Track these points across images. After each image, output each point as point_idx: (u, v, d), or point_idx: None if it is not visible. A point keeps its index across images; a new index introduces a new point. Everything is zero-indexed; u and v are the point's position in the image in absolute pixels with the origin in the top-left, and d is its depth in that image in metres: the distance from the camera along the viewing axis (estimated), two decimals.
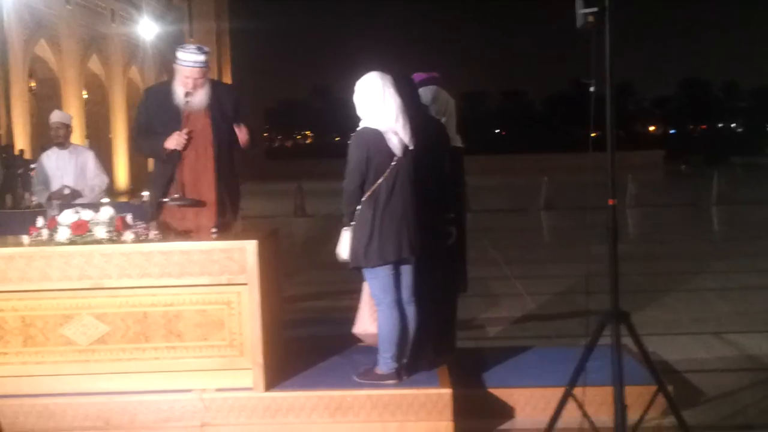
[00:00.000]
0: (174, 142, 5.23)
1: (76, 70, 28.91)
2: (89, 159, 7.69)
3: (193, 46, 5.37)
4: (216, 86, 5.41)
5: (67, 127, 7.73)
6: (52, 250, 4.66)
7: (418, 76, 5.69)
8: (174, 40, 34.10)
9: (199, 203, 5.29)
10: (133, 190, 30.04)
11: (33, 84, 27.56)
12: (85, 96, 30.07)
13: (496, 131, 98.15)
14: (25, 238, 4.76)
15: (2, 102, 22.88)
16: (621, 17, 4.09)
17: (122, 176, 32.76)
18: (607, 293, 4.16)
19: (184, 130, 5.25)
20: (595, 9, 4.01)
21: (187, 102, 5.26)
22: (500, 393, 5.00)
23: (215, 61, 43.70)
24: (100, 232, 4.71)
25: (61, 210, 5.02)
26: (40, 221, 4.83)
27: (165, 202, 5.27)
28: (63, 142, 7.63)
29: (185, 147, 5.26)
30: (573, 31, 4.11)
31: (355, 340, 5.56)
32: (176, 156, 5.28)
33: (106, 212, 4.81)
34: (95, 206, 4.99)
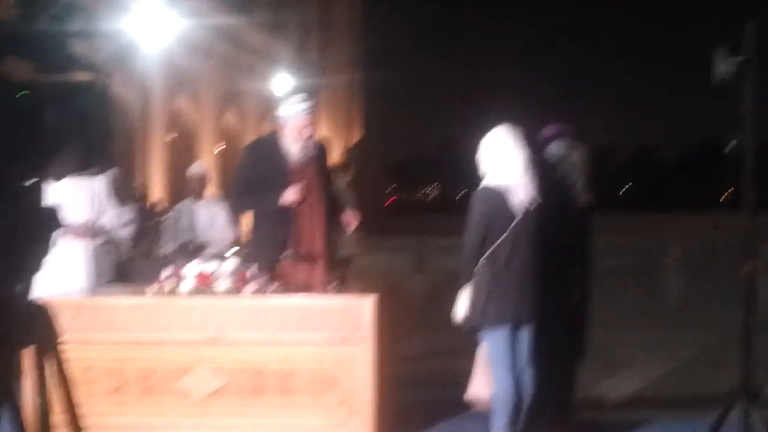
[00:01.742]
0: (291, 196, 5.23)
1: (213, 123, 30.01)
2: (220, 212, 7.88)
3: (297, 96, 5.41)
4: (315, 140, 5.45)
5: (205, 180, 7.94)
6: (174, 302, 4.77)
7: (549, 129, 5.58)
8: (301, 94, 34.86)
9: (314, 259, 5.31)
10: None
11: (170, 137, 28.74)
12: (221, 148, 31.12)
13: (627, 186, 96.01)
14: (150, 289, 4.89)
15: (141, 154, 23.94)
16: (764, 67, 3.93)
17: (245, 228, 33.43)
18: (738, 366, 3.92)
19: (300, 184, 5.26)
20: (737, 59, 3.86)
21: (303, 153, 5.29)
22: None
23: (345, 114, 44.58)
24: (222, 284, 4.80)
25: (187, 261, 5.14)
26: (165, 272, 4.96)
27: (282, 257, 5.29)
28: (200, 194, 7.84)
29: (301, 201, 5.27)
30: (710, 84, 3.96)
31: (469, 404, 5.44)
32: (289, 211, 5.29)
33: (229, 265, 4.90)
34: (219, 258, 5.10)
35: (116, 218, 6.42)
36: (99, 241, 6.31)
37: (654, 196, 79.87)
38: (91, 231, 6.16)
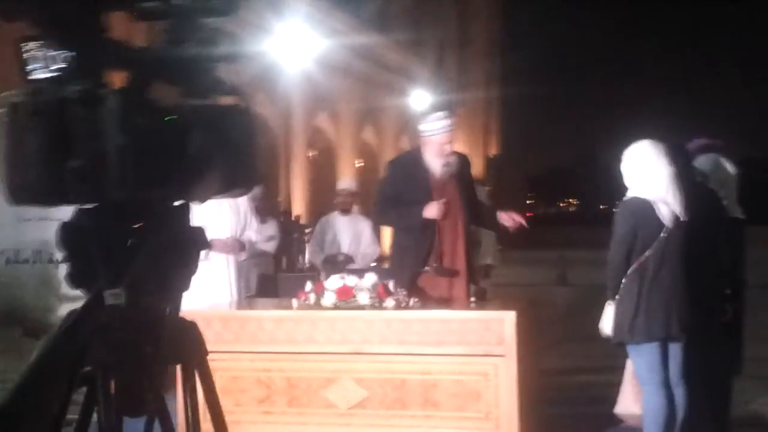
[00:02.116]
0: (434, 211, 5.26)
1: (352, 140, 30.50)
2: (366, 228, 7.97)
3: (438, 113, 5.45)
4: (455, 155, 5.44)
5: (354, 195, 8.06)
6: (318, 314, 4.84)
7: (697, 142, 5.41)
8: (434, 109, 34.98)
9: (456, 273, 5.31)
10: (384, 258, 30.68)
11: (312, 153, 29.38)
12: (359, 164, 31.59)
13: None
14: (294, 302, 4.98)
15: (284, 170, 24.57)
16: None
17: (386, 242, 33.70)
18: None
19: (442, 200, 5.28)
20: None
21: (446, 170, 5.31)
22: None
23: (482, 130, 44.46)
24: (363, 298, 4.83)
25: (332, 273, 5.22)
26: (308, 285, 5.04)
27: (425, 271, 5.30)
28: (348, 209, 7.96)
29: (443, 216, 5.29)
30: None
31: (617, 420, 5.29)
32: (430, 226, 5.30)
33: (370, 279, 4.93)
34: (360, 272, 5.15)
35: (259, 233, 6.60)
36: (244, 255, 6.50)
37: None
38: (236, 246, 6.35)
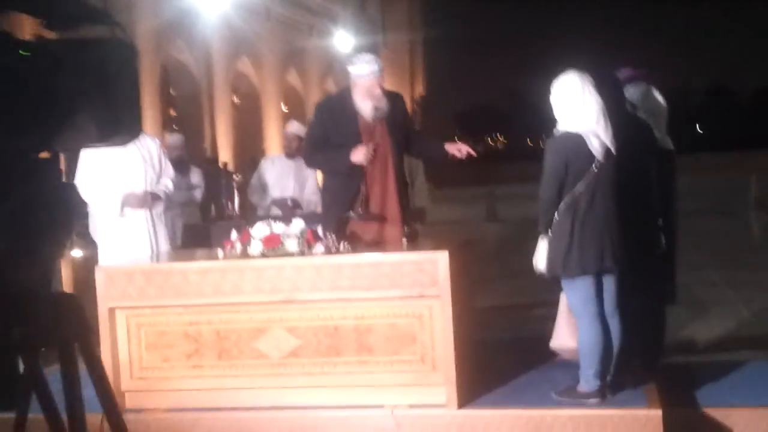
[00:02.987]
0: (361, 155, 5.11)
1: (276, 84, 29.99)
2: (311, 173, 7.77)
3: (366, 56, 5.28)
4: (387, 95, 5.28)
5: (300, 139, 7.82)
6: (244, 264, 4.67)
7: (624, 72, 5.33)
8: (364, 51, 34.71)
9: (381, 218, 5.18)
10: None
11: (235, 99, 28.84)
12: (285, 110, 31.15)
13: (697, 128, 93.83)
14: (220, 252, 4.81)
15: (208, 117, 24.04)
16: None
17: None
18: None
19: (370, 144, 5.13)
20: None
21: (374, 114, 5.15)
22: (716, 413, 4.56)
23: (408, 70, 44.20)
24: (291, 245, 4.68)
25: (277, 219, 5.06)
26: (234, 234, 4.86)
27: (352, 217, 5.17)
28: (293, 153, 7.75)
29: (372, 160, 5.15)
30: None
31: (553, 354, 5.27)
32: (358, 169, 5.16)
33: (297, 225, 4.78)
34: (287, 219, 4.98)
35: (180, 180, 6.36)
36: (161, 206, 6.25)
37: (729, 135, 77.81)
38: (148, 199, 6.09)
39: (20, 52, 1.51)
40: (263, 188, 7.80)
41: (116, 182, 6.02)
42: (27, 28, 1.59)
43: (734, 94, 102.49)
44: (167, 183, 6.28)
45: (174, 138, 8.25)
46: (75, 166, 6.52)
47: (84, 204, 1.72)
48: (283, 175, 7.72)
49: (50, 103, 1.52)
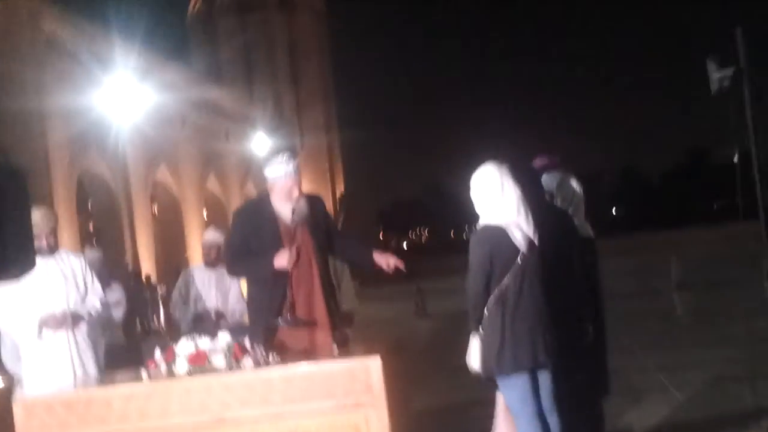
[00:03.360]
0: (284, 260, 4.98)
1: (195, 191, 29.84)
2: (233, 282, 7.58)
3: (280, 157, 5.20)
4: (305, 197, 5.21)
5: (219, 247, 7.61)
6: (170, 385, 4.46)
7: (540, 161, 5.39)
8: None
9: (311, 323, 5.06)
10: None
11: (155, 209, 28.52)
12: (205, 216, 30.91)
13: (613, 212, 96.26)
14: (144, 373, 4.60)
15: (128, 230, 23.64)
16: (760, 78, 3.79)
17: None
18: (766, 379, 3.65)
19: (293, 247, 5.03)
20: (730, 71, 3.71)
21: (294, 216, 5.06)
22: None
23: (327, 171, 44.52)
24: (219, 360, 4.51)
25: (201, 334, 4.86)
26: (157, 353, 4.66)
27: (280, 324, 5.03)
28: (214, 262, 7.53)
29: (295, 264, 5.04)
30: (707, 97, 3.83)
31: None
32: (282, 275, 5.04)
33: (223, 338, 4.61)
34: (211, 333, 4.82)
35: (100, 301, 6.08)
36: (83, 328, 5.95)
37: (644, 217, 79.98)
38: (67, 319, 5.80)
39: None
40: (184, 301, 7.58)
41: (34, 303, 5.73)
42: None
43: (645, 177, 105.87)
44: (94, 302, 5.99)
45: (91, 254, 8.02)
46: None
47: None
48: (204, 286, 7.53)
49: None
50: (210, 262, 7.58)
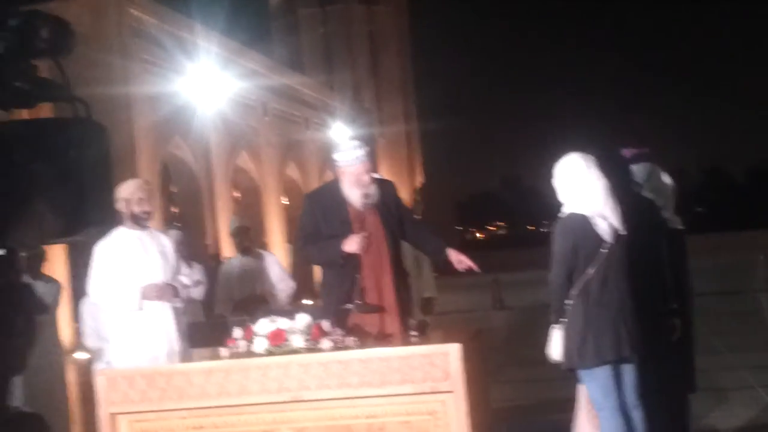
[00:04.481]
0: (354, 245, 4.95)
1: (275, 177, 30.11)
2: (272, 263, 7.57)
3: (351, 143, 5.17)
4: (376, 182, 5.16)
5: (246, 233, 7.59)
6: (249, 363, 4.48)
7: (628, 152, 5.24)
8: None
9: (380, 309, 5.00)
10: (294, 300, 29.42)
11: (236, 193, 28.89)
12: (285, 202, 31.20)
13: (698, 209, 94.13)
14: (223, 351, 4.62)
15: (209, 213, 23.99)
16: None
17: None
18: None
19: (363, 233, 4.97)
20: None
21: (366, 201, 5.01)
22: None
23: (405, 161, 44.49)
24: (297, 340, 4.50)
25: (250, 318, 4.87)
26: (237, 332, 4.68)
27: (350, 309, 4.98)
28: (247, 249, 7.49)
29: (365, 250, 4.98)
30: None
31: None
32: (353, 260, 5.00)
33: (302, 319, 4.60)
34: (291, 314, 4.81)
35: (187, 278, 6.17)
36: (179, 302, 6.05)
37: (727, 216, 77.93)
38: (169, 291, 5.89)
39: None
40: (228, 296, 7.51)
41: (133, 276, 5.83)
42: None
43: (731, 175, 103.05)
44: (182, 279, 6.09)
45: (174, 234, 8.08)
46: (38, 263, 6.31)
47: (45, 305, 1.56)
48: (243, 274, 7.41)
49: (2, 193, 1.32)
50: (243, 250, 7.48)
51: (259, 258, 7.54)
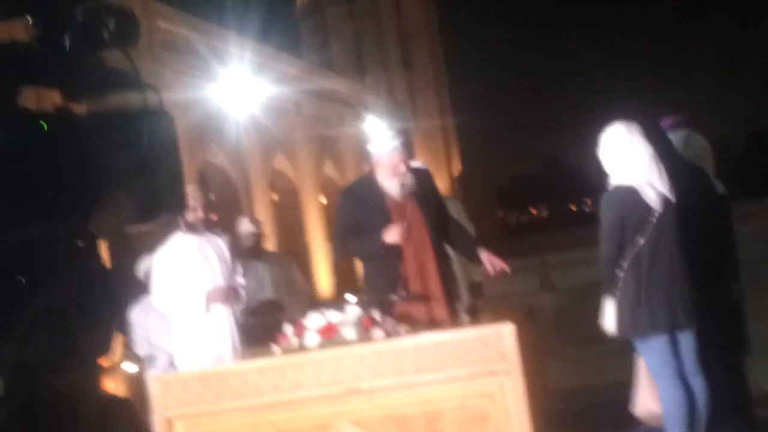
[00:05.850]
0: (395, 235, 4.89)
1: (313, 177, 30.19)
2: (293, 270, 7.45)
3: (386, 133, 5.12)
4: (412, 170, 5.10)
5: (257, 237, 7.24)
6: (302, 358, 4.48)
7: (665, 121, 5.17)
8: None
9: (424, 297, 4.96)
10: (337, 297, 28.82)
11: (274, 196, 29.03)
12: (323, 201, 31.29)
13: (746, 174, 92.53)
14: (275, 347, 4.62)
15: (248, 218, 24.15)
16: None
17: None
18: None
19: (403, 222, 4.92)
20: None
21: (403, 190, 4.96)
22: None
23: (443, 152, 44.35)
24: (349, 333, 4.49)
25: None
26: (288, 328, 4.68)
27: (395, 300, 4.95)
28: (259, 252, 7.19)
29: (406, 239, 4.93)
30: None
31: (637, 422, 4.96)
32: (395, 250, 4.95)
33: (353, 311, 4.59)
34: (340, 306, 4.79)
35: (242, 278, 6.18)
36: (241, 304, 6.07)
37: None
38: (231, 294, 5.92)
39: (41, 123, 1.34)
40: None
41: (195, 281, 5.87)
42: (48, 101, 1.42)
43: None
44: (240, 280, 6.11)
45: (244, 223, 7.77)
46: (119, 251, 6.35)
47: (127, 293, 1.57)
48: (257, 279, 6.91)
49: (81, 181, 1.33)
50: (255, 253, 7.11)
51: (273, 262, 7.34)
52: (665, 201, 4.40)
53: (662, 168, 4.43)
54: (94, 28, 1.49)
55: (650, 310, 4.37)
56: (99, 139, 1.38)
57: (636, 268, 4.40)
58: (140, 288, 6.45)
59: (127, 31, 1.53)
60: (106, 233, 1.44)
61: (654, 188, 4.39)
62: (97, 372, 1.50)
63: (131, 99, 1.51)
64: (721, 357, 4.70)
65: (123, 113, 1.46)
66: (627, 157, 4.46)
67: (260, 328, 6.27)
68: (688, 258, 4.44)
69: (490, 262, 5.05)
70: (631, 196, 4.42)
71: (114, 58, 1.58)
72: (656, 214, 4.39)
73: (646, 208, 4.40)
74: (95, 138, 1.37)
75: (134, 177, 1.39)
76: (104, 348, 1.48)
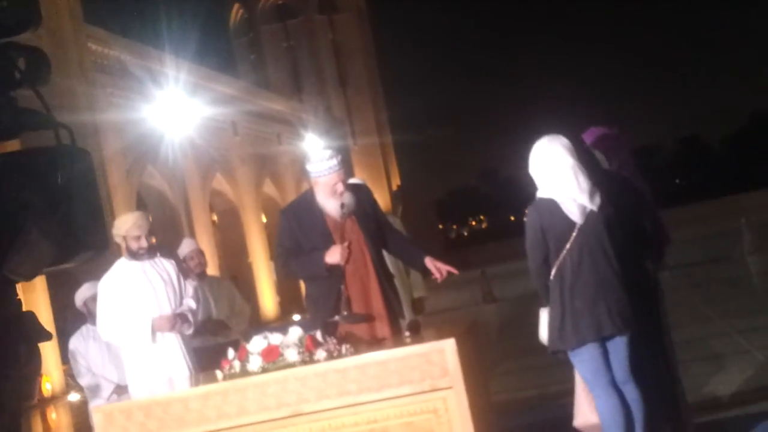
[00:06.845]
0: (336, 255, 4.90)
1: (252, 196, 30.06)
2: (229, 288, 7.42)
3: (322, 153, 5.11)
4: (350, 188, 5.10)
5: (200, 256, 7.18)
6: (245, 382, 4.45)
7: (589, 134, 5.23)
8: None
9: (367, 317, 4.96)
10: (282, 316, 28.52)
11: (215, 217, 28.80)
12: (264, 220, 31.13)
13: (676, 181, 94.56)
14: (219, 373, 4.59)
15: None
16: None
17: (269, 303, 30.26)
18: None
19: (344, 242, 4.93)
20: None
21: (343, 210, 4.97)
22: None
23: (382, 167, 44.47)
24: (292, 354, 4.47)
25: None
26: (230, 353, 4.64)
27: (338, 320, 4.94)
28: (202, 272, 7.12)
29: (347, 259, 4.94)
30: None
31: None
32: (337, 270, 4.95)
33: (295, 333, 4.57)
34: (282, 329, 4.78)
35: (193, 301, 6.07)
36: (190, 330, 5.95)
37: (708, 184, 78.46)
38: (177, 321, 5.81)
39: None
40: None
41: (142, 309, 5.78)
42: None
43: (706, 144, 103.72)
44: (189, 303, 5.99)
45: (186, 246, 7.69)
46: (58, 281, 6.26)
47: (45, 333, 1.52)
48: (202, 299, 6.63)
49: None
50: (199, 273, 7.05)
51: (214, 282, 7.31)
52: (588, 213, 4.46)
53: (583, 180, 4.48)
54: (4, 67, 1.48)
55: (574, 322, 4.42)
56: (12, 178, 1.37)
57: (560, 280, 4.46)
58: (79, 318, 6.35)
59: (39, 69, 1.52)
60: (21, 275, 1.43)
61: (575, 201, 4.45)
62: (19, 419, 1.49)
63: (42, 137, 1.50)
64: (654, 363, 4.78)
65: (34, 152, 1.46)
66: (548, 171, 4.52)
67: (210, 350, 6.24)
68: (613, 267, 4.48)
69: (436, 267, 5.07)
70: (550, 209, 4.48)
71: (25, 96, 1.56)
72: (577, 227, 4.45)
73: (566, 221, 4.45)
74: (8, 178, 1.37)
75: (49, 216, 1.38)
76: (25, 395, 1.47)
